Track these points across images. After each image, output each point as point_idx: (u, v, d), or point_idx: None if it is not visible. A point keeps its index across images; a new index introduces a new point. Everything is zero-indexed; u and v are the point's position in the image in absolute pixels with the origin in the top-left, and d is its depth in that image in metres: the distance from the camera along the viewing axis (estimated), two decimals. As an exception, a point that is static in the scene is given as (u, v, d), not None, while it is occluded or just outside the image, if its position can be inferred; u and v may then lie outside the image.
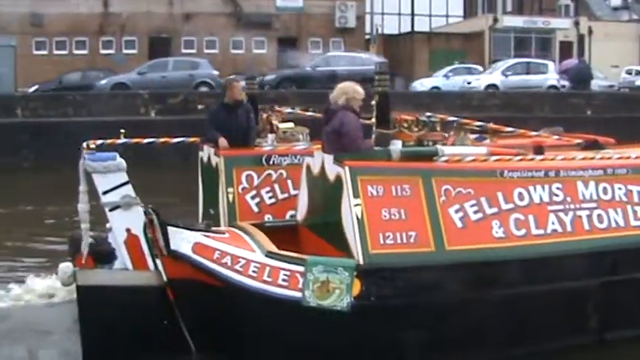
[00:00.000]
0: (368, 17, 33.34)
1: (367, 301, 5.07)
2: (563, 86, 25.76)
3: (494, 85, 25.46)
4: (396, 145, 5.82)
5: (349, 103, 5.80)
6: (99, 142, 7.36)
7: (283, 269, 5.13)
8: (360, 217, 5.21)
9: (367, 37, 33.12)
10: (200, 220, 7.99)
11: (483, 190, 5.57)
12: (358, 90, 5.89)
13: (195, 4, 30.64)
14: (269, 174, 7.27)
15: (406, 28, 38.43)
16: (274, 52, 31.41)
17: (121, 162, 5.27)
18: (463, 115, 8.52)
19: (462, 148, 5.93)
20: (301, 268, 5.10)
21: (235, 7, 31.25)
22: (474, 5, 47.30)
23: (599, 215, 5.83)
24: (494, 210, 5.55)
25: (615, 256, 5.75)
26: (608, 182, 5.94)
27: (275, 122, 7.79)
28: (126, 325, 5.22)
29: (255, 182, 7.27)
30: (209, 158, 7.66)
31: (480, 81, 25.91)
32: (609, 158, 6.26)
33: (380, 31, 34.09)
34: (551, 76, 26.64)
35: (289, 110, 8.33)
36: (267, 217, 7.02)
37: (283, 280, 5.11)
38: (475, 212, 5.49)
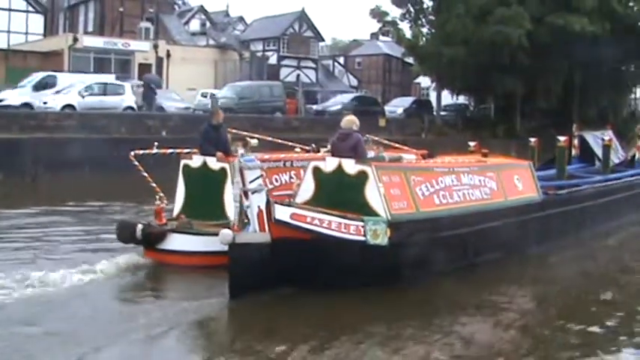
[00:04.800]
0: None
1: (394, 240, 8.95)
2: (141, 107, 26.47)
3: (71, 106, 25.08)
4: (371, 155, 9.87)
5: (357, 127, 9.60)
6: (141, 152, 9.91)
7: (352, 224, 8.74)
8: (384, 194, 9.09)
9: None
10: (175, 214, 10.76)
11: (427, 178, 9.88)
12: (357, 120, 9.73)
13: None
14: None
15: (-15, 44, 37.68)
16: None
17: (259, 162, 8.32)
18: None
19: (407, 155, 10.19)
20: (362, 223, 8.76)
21: None
22: (55, 24, 47.51)
23: (471, 193, 10.58)
24: (433, 189, 9.90)
25: (480, 215, 10.52)
26: (472, 174, 10.73)
27: (247, 138, 11.02)
28: (256, 266, 8.28)
29: None
30: (205, 164, 10.52)
31: (56, 101, 25.25)
32: (464, 162, 11.12)
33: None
34: (128, 97, 26.88)
35: (235, 130, 11.56)
36: None
37: (353, 230, 8.72)
38: (427, 190, 9.78)
